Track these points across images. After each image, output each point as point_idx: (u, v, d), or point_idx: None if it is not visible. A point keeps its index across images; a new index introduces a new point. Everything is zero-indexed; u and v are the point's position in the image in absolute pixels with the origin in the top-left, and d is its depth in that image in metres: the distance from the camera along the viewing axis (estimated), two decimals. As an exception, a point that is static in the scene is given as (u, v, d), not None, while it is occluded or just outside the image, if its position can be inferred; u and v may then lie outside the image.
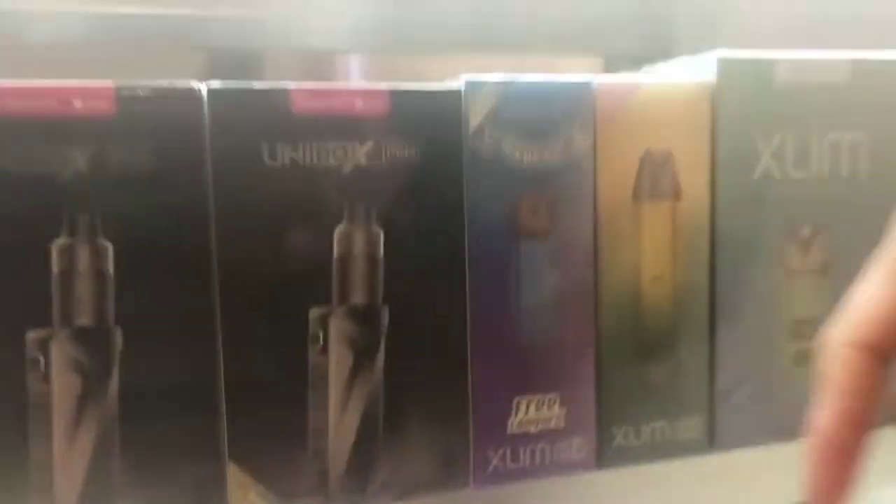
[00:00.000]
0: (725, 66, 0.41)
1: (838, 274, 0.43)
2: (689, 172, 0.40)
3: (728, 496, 0.43)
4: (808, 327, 0.43)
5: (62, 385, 0.33)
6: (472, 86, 0.37)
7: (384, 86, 0.35)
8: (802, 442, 0.26)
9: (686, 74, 0.42)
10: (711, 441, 0.42)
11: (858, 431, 0.25)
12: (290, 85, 0.34)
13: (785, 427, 0.43)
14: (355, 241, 0.36)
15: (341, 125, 0.35)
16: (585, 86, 0.39)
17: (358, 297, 0.36)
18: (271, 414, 0.36)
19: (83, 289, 0.33)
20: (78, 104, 0.32)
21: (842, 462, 0.25)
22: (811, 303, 0.43)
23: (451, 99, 0.36)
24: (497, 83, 0.37)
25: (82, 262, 0.33)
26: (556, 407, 0.40)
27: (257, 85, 0.34)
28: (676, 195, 0.40)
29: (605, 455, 0.41)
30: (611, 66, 0.98)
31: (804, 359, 0.43)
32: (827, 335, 0.26)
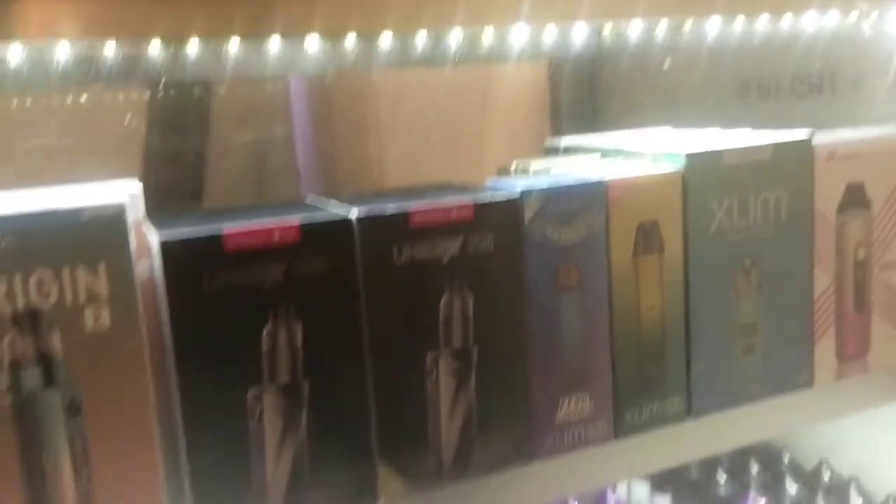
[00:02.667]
0: (690, 158, 0.58)
1: (769, 291, 0.62)
2: (669, 233, 0.58)
3: (704, 446, 0.62)
4: (751, 328, 0.62)
5: (271, 424, 0.49)
6: (525, 193, 0.53)
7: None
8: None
9: (664, 166, 0.59)
10: (689, 412, 0.61)
11: None
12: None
13: (739, 397, 0.62)
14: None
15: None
16: (600, 182, 0.55)
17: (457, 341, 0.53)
18: (405, 425, 0.52)
19: (282, 358, 0.49)
20: (276, 236, 0.48)
21: None
22: (752, 311, 0.62)
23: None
24: (542, 189, 0.54)
25: (282, 340, 0.49)
26: (588, 401, 0.57)
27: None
28: (662, 250, 0.58)
29: (619, 430, 0.59)
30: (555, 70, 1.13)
31: (750, 350, 0.62)
32: None
